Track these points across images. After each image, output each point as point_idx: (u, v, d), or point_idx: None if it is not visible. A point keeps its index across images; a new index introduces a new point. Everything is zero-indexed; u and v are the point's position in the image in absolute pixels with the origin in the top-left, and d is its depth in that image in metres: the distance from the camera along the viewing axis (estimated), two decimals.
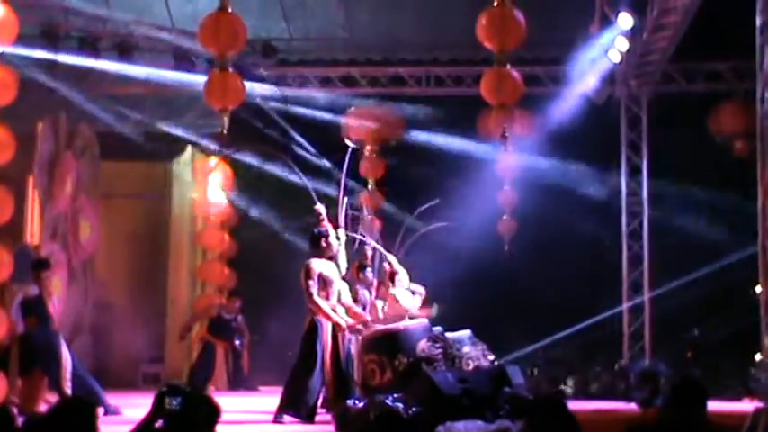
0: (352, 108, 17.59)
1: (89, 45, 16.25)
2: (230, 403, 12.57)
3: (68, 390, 11.01)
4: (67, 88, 16.39)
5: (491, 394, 9.49)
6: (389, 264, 11.70)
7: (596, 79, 16.75)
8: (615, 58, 16.08)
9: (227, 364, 17.26)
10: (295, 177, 12.03)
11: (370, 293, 12.26)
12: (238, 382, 17.13)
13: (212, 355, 17.07)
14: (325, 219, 11.18)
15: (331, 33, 17.12)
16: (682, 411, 5.42)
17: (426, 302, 11.60)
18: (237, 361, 17.34)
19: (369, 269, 12.38)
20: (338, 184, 11.67)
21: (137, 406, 10.09)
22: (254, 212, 18.20)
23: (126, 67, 16.48)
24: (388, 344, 10.25)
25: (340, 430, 9.56)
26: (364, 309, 11.60)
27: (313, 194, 11.37)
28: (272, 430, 10.23)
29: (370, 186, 17.89)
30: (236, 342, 17.22)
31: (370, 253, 12.60)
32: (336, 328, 10.71)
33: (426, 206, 12.44)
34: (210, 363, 17.02)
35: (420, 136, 17.25)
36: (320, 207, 11.25)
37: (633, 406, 13.01)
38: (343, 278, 11.13)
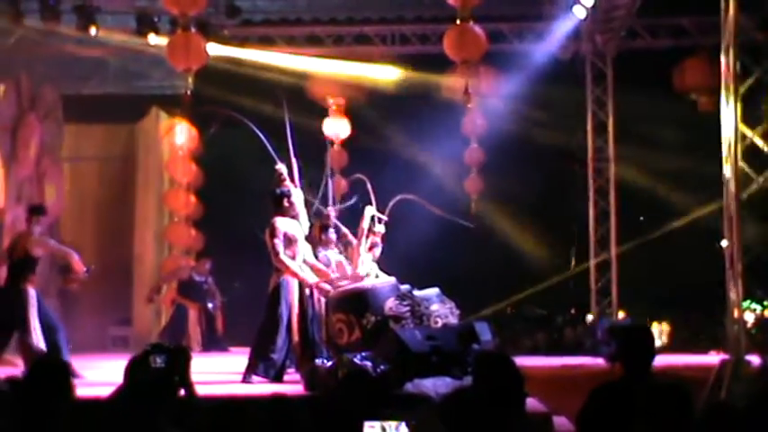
0: (317, 69, 17.47)
1: (50, 7, 16.01)
2: (201, 364, 12.62)
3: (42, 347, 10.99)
4: (29, 51, 16.20)
5: (459, 351, 9.50)
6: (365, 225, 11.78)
7: (562, 35, 16.71)
8: (580, 13, 16.03)
9: (201, 326, 17.18)
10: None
11: (340, 250, 12.26)
12: (212, 344, 17.03)
13: (184, 318, 17.03)
14: (287, 179, 11.14)
15: None
16: (630, 360, 5.40)
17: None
18: (211, 323, 17.27)
19: (331, 230, 12.34)
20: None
21: (106, 369, 10.10)
22: (221, 173, 18.08)
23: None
24: (355, 303, 10.22)
25: (309, 389, 9.58)
26: (327, 267, 11.59)
27: (274, 155, 11.29)
28: (241, 390, 10.23)
29: (335, 146, 17.84)
30: (209, 305, 17.18)
31: (333, 214, 12.53)
32: (303, 285, 10.70)
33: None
34: (182, 325, 16.97)
35: (385, 95, 17.15)
36: (281, 167, 11.19)
37: (600, 361, 13.10)
38: (306, 238, 11.11)
